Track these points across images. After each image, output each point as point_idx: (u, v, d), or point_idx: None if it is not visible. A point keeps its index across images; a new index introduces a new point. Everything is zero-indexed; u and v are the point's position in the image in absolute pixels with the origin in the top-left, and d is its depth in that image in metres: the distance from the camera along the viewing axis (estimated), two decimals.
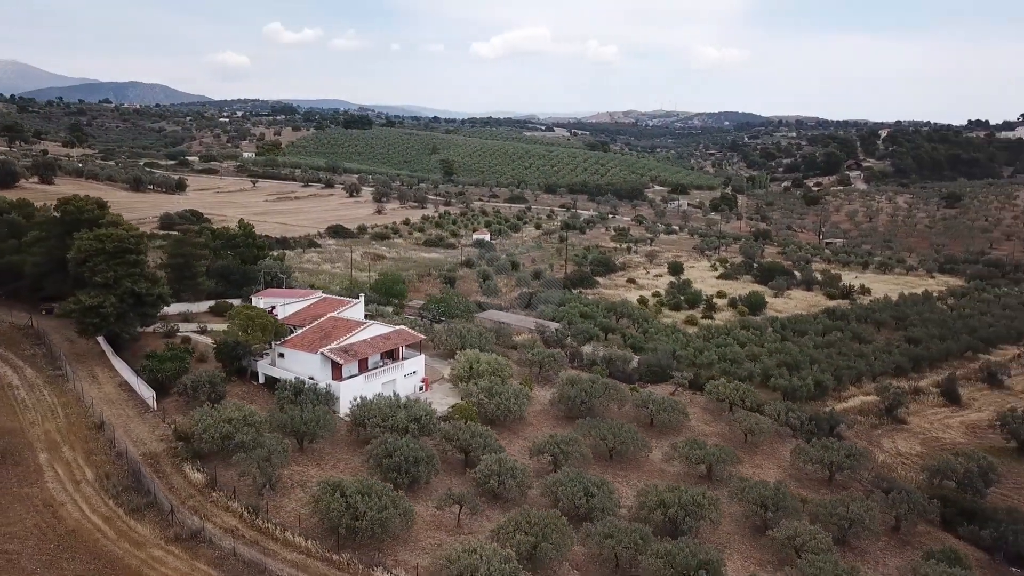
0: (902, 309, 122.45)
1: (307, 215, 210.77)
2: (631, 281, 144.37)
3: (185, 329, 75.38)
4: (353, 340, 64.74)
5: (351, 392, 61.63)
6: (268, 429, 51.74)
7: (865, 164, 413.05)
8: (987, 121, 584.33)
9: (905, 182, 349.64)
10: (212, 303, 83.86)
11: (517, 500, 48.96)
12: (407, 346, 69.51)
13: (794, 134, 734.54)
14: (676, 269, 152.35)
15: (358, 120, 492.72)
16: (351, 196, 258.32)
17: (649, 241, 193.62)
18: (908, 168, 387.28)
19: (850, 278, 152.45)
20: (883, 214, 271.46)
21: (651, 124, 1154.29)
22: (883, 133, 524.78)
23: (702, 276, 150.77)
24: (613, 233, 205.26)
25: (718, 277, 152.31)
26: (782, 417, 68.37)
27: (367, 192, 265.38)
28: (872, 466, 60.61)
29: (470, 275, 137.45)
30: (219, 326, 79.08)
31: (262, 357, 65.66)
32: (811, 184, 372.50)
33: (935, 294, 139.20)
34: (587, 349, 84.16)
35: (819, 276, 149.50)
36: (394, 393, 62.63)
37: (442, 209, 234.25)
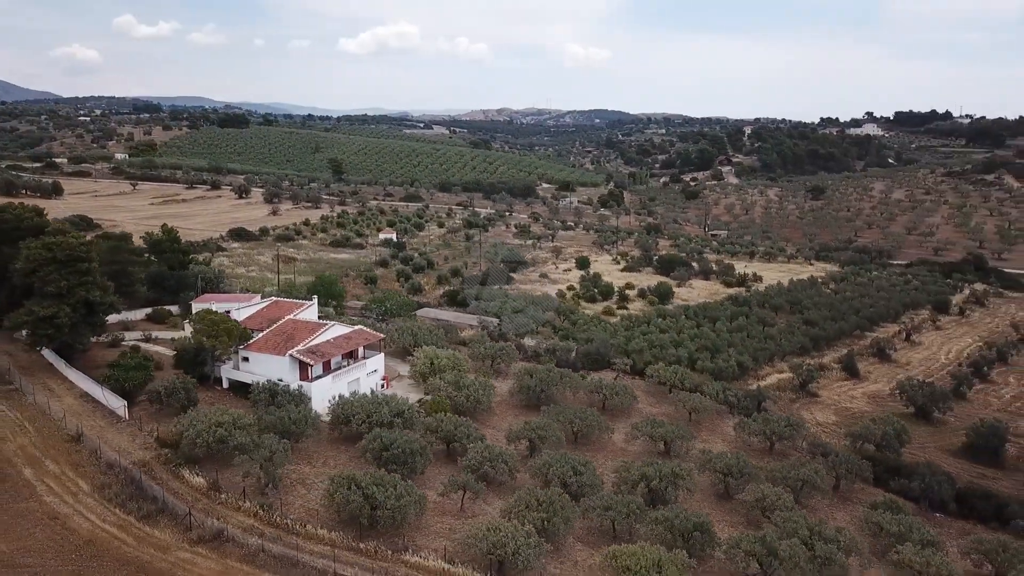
0: (795, 294, 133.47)
1: (200, 218, 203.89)
2: (543, 276, 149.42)
3: (130, 338, 73.56)
4: (318, 341, 65.70)
5: (322, 392, 62.78)
6: (257, 431, 52.35)
7: (735, 160, 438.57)
8: (837, 119, 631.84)
9: (773, 176, 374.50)
10: (149, 311, 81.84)
11: (508, 483, 52.06)
12: (365, 346, 70.97)
13: (663, 131, 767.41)
14: (583, 264, 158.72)
15: (234, 119, 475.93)
16: (240, 198, 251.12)
17: (550, 237, 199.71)
18: (773, 163, 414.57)
19: (740, 267, 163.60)
20: (757, 207, 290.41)
21: (525, 122, 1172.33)
22: (747, 130, 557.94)
23: (607, 270, 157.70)
24: (515, 230, 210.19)
25: (622, 270, 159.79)
26: (720, 396, 74.55)
27: (257, 193, 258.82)
28: (806, 435, 67.41)
29: (388, 275, 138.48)
30: (163, 333, 77.74)
31: (224, 362, 65.46)
32: (688, 179, 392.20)
33: (819, 279, 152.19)
34: (529, 342, 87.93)
35: (714, 266, 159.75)
36: (356, 392, 64.39)
37: (339, 209, 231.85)
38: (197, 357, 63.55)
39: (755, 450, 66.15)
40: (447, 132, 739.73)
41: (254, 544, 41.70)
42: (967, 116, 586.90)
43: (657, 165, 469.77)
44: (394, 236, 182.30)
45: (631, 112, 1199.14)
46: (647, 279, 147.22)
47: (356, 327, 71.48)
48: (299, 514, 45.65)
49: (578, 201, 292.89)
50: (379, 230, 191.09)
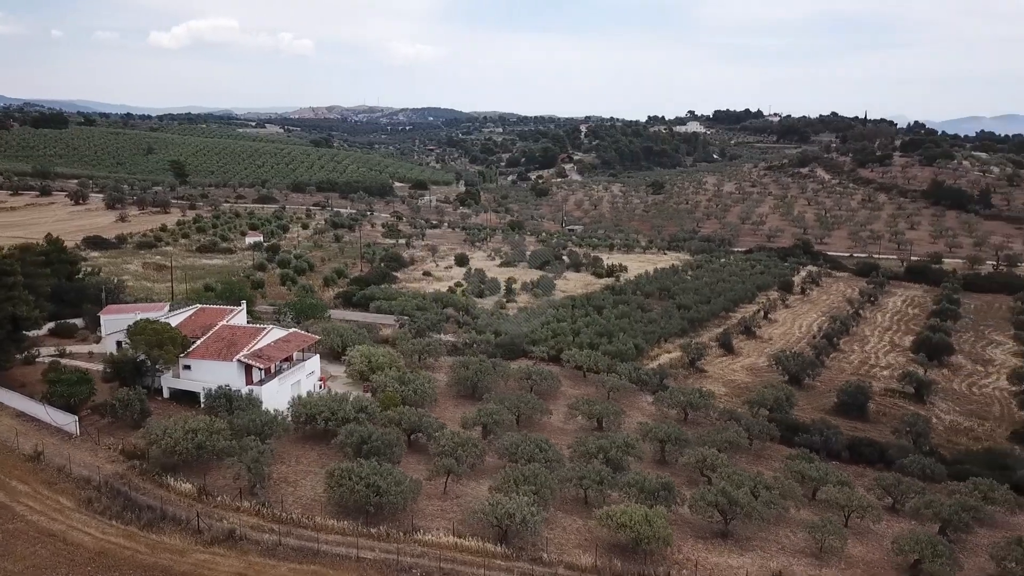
0: (663, 282, 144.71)
1: (39, 227, 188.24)
2: (426, 274, 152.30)
3: (44, 354, 70.16)
4: (261, 345, 66.27)
5: (271, 395, 63.59)
6: (231, 435, 52.99)
7: (576, 157, 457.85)
8: (663, 117, 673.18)
9: (614, 173, 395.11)
10: (52, 324, 77.82)
11: (478, 465, 55.88)
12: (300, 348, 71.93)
13: (500, 129, 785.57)
14: (462, 261, 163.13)
15: (52, 119, 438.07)
16: (78, 204, 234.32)
17: (420, 236, 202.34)
18: (612, 160, 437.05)
19: (604, 259, 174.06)
20: (605, 202, 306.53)
21: (358, 120, 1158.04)
22: (583, 128, 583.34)
23: (486, 266, 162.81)
24: (382, 230, 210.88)
25: (499, 266, 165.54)
26: (632, 375, 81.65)
27: (96, 199, 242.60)
28: (714, 404, 75.74)
29: (269, 278, 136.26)
30: (77, 348, 74.75)
31: (162, 372, 64.52)
32: (534, 177, 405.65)
33: (678, 268, 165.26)
34: (445, 337, 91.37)
35: (584, 259, 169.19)
36: (299, 393, 65.74)
37: (191, 214, 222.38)
38: (139, 368, 62.35)
39: (673, 420, 73.55)
40: (281, 131, 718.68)
41: (269, 539, 43.22)
42: (776, 115, 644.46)
43: (502, 163, 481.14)
44: (260, 239, 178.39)
45: (465, 110, 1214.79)
46: (524, 273, 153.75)
47: (291, 330, 72.26)
48: (297, 509, 47.32)
49: (437, 200, 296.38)
50: (244, 234, 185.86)
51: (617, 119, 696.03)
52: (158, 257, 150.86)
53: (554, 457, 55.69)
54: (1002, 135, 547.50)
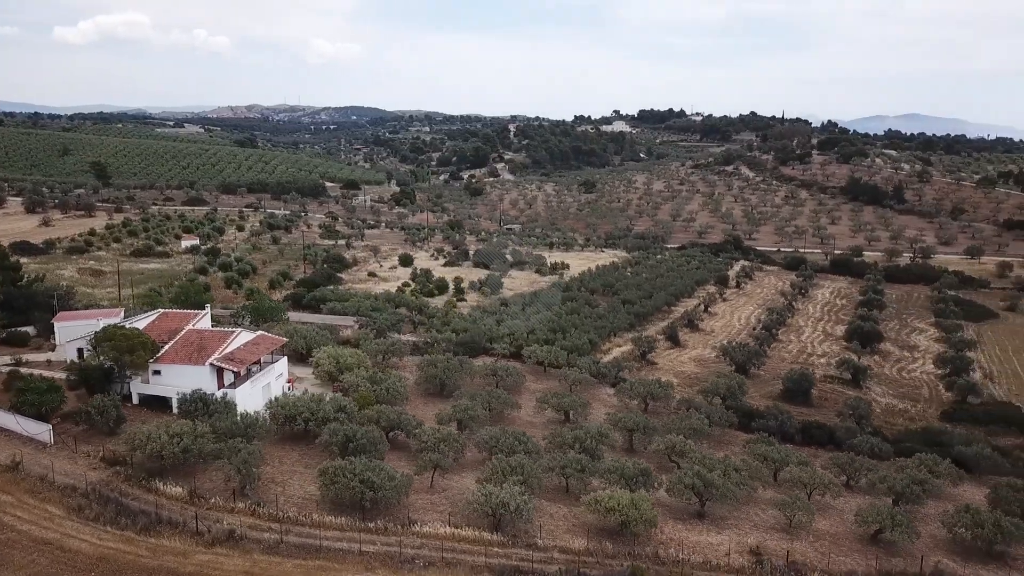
0: (605, 278, 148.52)
1: None
2: (371, 275, 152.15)
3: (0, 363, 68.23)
4: (232, 348, 66.04)
5: (244, 398, 63.62)
6: (215, 438, 53.08)
7: (507, 157, 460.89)
8: (590, 116, 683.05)
9: (546, 172, 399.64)
10: (3, 334, 75.45)
11: (459, 459, 57.40)
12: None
13: (427, 128, 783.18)
14: (407, 261, 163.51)
15: None
16: None
17: (360, 236, 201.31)
18: (543, 159, 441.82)
19: (546, 257, 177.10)
20: (539, 201, 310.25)
21: (279, 119, 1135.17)
22: (512, 128, 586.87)
23: (430, 266, 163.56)
24: (320, 231, 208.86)
25: (444, 265, 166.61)
26: (592, 369, 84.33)
27: (13, 202, 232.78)
28: (672, 394, 79.05)
29: (213, 282, 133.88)
30: (33, 356, 72.94)
31: (131, 378, 63.74)
32: (467, 176, 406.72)
33: (618, 265, 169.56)
34: (406, 336, 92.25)
35: (527, 258, 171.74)
36: (270, 395, 66.14)
37: (119, 217, 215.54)
38: (108, 375, 61.49)
39: (634, 410, 76.45)
40: (202, 131, 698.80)
41: (270, 538, 43.84)
42: (698, 114, 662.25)
43: (433, 163, 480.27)
44: (197, 242, 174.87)
45: (389, 109, 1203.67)
46: (469, 272, 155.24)
47: (259, 333, 72.07)
48: (291, 508, 47.96)
49: (371, 200, 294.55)
50: (178, 237, 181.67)
51: (543, 119, 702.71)
52: (92, 263, 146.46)
53: (533, 448, 57.66)
54: (907, 133, 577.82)
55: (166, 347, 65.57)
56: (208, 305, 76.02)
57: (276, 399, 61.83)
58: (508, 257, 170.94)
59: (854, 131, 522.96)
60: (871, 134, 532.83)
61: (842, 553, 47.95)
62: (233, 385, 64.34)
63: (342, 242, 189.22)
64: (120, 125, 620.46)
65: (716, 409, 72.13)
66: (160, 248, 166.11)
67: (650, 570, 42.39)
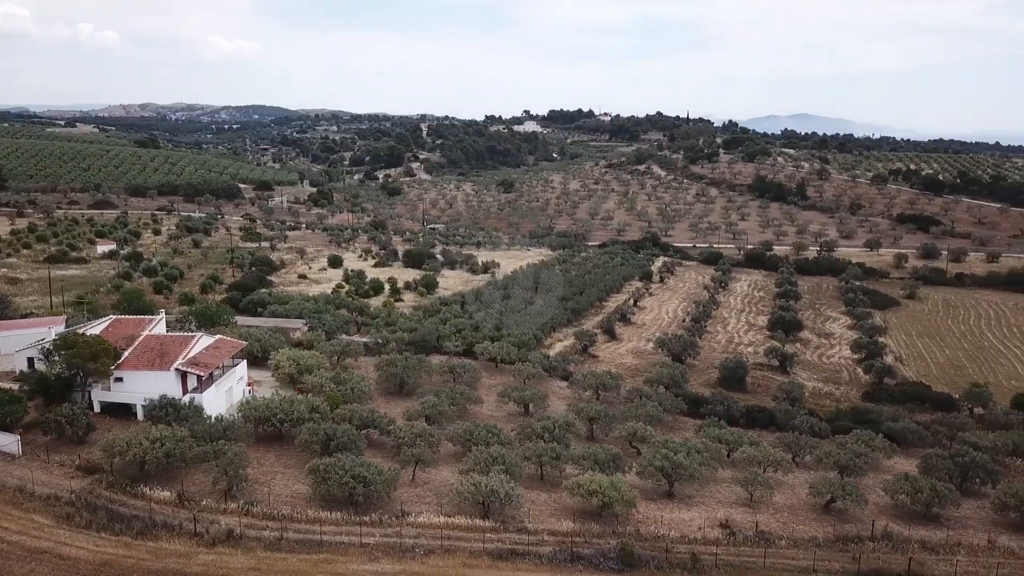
0: (537, 276, 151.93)
1: None
2: (302, 277, 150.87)
3: None
4: (195, 353, 65.66)
5: (211, 402, 63.48)
6: (194, 442, 53.11)
7: (422, 156, 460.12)
8: (500, 116, 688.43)
9: (462, 172, 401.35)
10: None
11: (436, 453, 59.12)
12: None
13: (335, 128, 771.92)
14: (336, 262, 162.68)
15: None
16: None
17: (282, 238, 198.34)
18: (458, 159, 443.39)
19: (476, 256, 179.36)
20: (459, 201, 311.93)
21: (176, 118, 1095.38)
22: (424, 127, 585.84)
23: (360, 266, 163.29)
24: (241, 233, 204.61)
25: (374, 266, 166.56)
26: (544, 363, 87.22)
27: None
28: (622, 384, 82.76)
29: (139, 287, 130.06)
30: None
31: (91, 386, 62.55)
32: (382, 176, 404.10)
33: (547, 263, 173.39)
34: (355, 338, 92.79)
35: (457, 257, 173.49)
36: (233, 399, 66.28)
37: (22, 222, 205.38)
38: (69, 384, 60.26)
39: (586, 400, 79.80)
40: (96, 130, 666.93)
41: (269, 536, 44.63)
42: (606, 114, 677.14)
43: (345, 162, 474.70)
44: (114, 246, 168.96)
45: (292, 108, 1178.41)
46: (401, 272, 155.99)
47: (217, 337, 71.58)
48: (284, 507, 48.73)
49: (288, 201, 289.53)
50: (92, 242, 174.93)
51: (452, 118, 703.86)
52: (4, 270, 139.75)
53: (505, 440, 59.96)
54: (802, 132, 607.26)
55: (126, 353, 64.54)
56: (163, 311, 74.78)
57: (247, 401, 62.00)
58: (439, 257, 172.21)
59: (753, 131, 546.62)
60: (768, 133, 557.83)
61: (800, 523, 52.24)
62: (199, 390, 64.03)
63: (266, 244, 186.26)
64: (6, 125, 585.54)
65: (667, 396, 76.18)
66: (75, 254, 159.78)
67: (636, 546, 45.36)
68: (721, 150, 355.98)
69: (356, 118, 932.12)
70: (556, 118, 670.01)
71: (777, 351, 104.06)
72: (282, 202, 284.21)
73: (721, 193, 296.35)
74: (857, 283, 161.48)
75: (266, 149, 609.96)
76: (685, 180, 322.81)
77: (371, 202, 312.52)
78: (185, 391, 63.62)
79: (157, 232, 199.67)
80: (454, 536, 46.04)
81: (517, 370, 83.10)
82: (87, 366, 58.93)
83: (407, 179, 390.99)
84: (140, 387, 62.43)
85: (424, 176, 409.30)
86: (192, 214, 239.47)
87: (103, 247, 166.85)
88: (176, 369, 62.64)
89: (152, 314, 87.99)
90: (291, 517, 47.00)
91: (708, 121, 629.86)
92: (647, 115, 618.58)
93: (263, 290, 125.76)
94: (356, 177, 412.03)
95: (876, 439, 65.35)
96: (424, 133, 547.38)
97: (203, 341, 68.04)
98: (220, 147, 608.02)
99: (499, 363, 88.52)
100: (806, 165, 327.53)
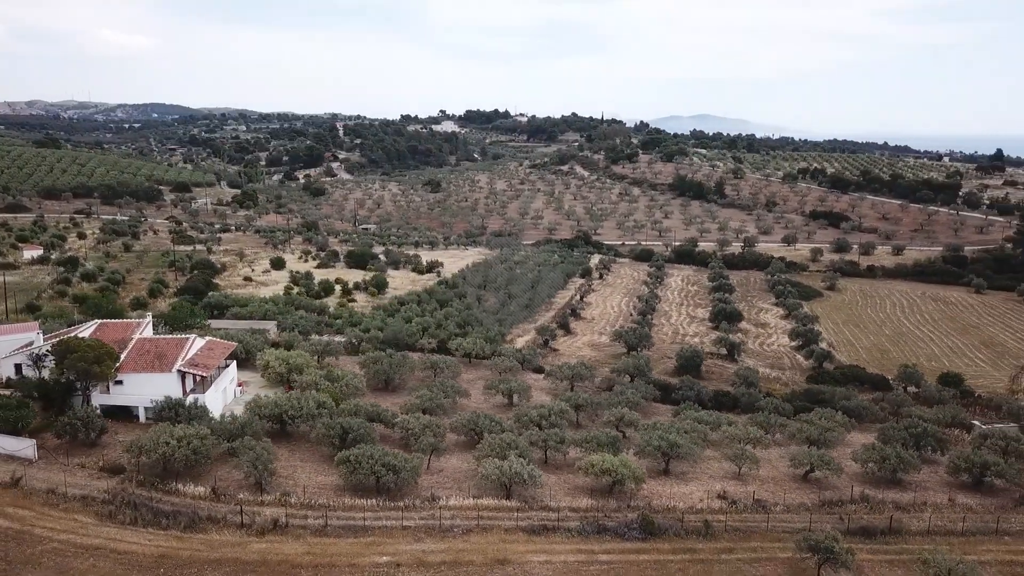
0: (484, 275, 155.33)
1: None
2: (247, 279, 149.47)
3: None
4: (192, 355, 66.36)
5: (212, 402, 64.43)
6: (215, 439, 54.42)
7: (341, 156, 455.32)
8: (416, 116, 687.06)
9: (386, 172, 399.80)
10: None
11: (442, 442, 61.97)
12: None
13: (244, 127, 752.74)
14: (279, 264, 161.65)
15: None
16: None
17: (216, 240, 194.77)
18: (379, 159, 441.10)
19: (416, 255, 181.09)
20: (387, 201, 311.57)
21: (69, 116, 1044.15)
22: (340, 127, 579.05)
23: (302, 268, 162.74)
24: (171, 236, 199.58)
25: (316, 267, 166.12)
26: (517, 356, 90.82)
27: None
28: (595, 374, 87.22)
29: (80, 291, 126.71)
30: None
31: (91, 390, 62.49)
32: (302, 176, 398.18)
33: (489, 261, 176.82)
34: (327, 337, 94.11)
35: (401, 257, 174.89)
36: (228, 398, 67.60)
37: None
38: (70, 388, 60.14)
39: (563, 390, 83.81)
40: None
41: (314, 523, 46.73)
42: (522, 115, 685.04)
43: (262, 163, 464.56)
44: (41, 251, 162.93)
45: (196, 107, 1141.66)
46: (345, 273, 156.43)
47: (208, 339, 72.16)
48: (320, 497, 50.69)
49: (212, 203, 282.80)
50: (16, 247, 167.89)
51: (364, 118, 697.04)
52: None
53: (507, 427, 63.32)
54: (711, 133, 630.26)
55: (123, 356, 64.64)
56: (149, 315, 74.60)
57: (254, 400, 63.16)
58: (382, 257, 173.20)
59: (664, 131, 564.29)
60: (678, 133, 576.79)
61: (786, 491, 57.62)
62: (198, 390, 64.82)
63: (201, 247, 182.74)
64: None
65: (641, 384, 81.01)
66: (2, 260, 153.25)
67: (654, 517, 49.58)
68: (640, 151, 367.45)
69: (265, 117, 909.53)
70: (473, 118, 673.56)
71: (725, 340, 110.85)
72: (206, 204, 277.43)
73: (644, 192, 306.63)
74: (781, 276, 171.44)
75: (174, 149, 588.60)
76: (608, 180, 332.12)
77: (295, 203, 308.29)
78: (185, 392, 64.32)
79: (82, 236, 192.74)
80: (486, 516, 49.18)
81: (493, 364, 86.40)
82: (92, 369, 59.00)
83: (328, 179, 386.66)
84: (141, 389, 62.81)
85: (346, 176, 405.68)
86: (115, 217, 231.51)
87: (30, 252, 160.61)
88: (178, 370, 63.30)
89: (118, 316, 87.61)
90: (329, 506, 49.14)
91: (621, 122, 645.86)
92: (562, 116, 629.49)
93: (215, 293, 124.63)
94: (275, 178, 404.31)
95: (837, 416, 71.78)
96: (341, 133, 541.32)
97: (197, 343, 68.71)
98: (124, 147, 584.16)
99: (472, 358, 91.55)
100: (720, 165, 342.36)
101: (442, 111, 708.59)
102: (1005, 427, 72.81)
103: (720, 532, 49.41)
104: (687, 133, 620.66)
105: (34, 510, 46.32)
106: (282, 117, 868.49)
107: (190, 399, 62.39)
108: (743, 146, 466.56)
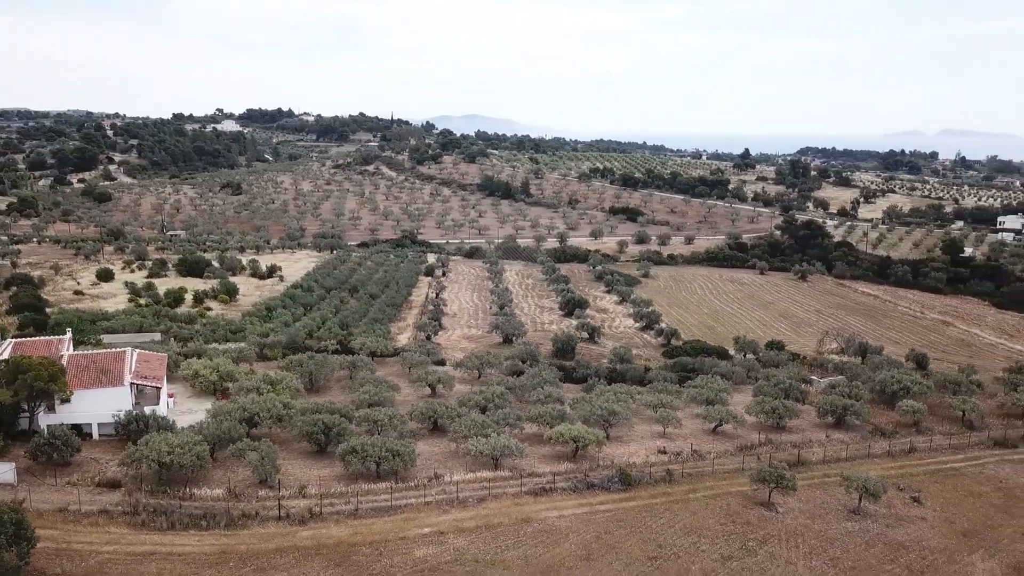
0: (333, 278, 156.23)
1: None
2: (78, 293, 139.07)
3: None
4: (136, 367, 65.21)
5: (163, 411, 64.03)
6: (208, 445, 55.24)
7: (118, 158, 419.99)
8: (192, 115, 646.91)
9: (174, 174, 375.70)
10: None
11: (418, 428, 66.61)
12: None
13: None
14: (106, 275, 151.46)
15: None
16: None
17: (17, 253, 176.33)
18: (163, 160, 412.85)
19: (248, 260, 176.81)
20: (185, 205, 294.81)
21: None
22: (108, 126, 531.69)
23: (134, 278, 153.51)
24: None
25: (146, 277, 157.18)
26: (425, 352, 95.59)
27: None
28: (501, 362, 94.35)
29: None
30: None
31: (35, 410, 59.70)
32: (76, 180, 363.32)
33: (333, 264, 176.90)
34: (231, 344, 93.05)
35: (238, 263, 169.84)
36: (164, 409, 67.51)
37: None
38: (19, 409, 57.37)
39: (472, 379, 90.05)
40: None
41: (346, 508, 50.15)
42: (307, 114, 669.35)
43: (21, 166, 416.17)
44: None
45: None
46: (181, 282, 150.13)
47: (139, 351, 70.39)
48: (322, 487, 53.66)
49: None
50: None
51: (125, 115, 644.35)
52: None
53: (462, 414, 68.99)
54: (494, 134, 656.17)
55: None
56: (70, 330, 70.77)
57: (214, 406, 63.56)
58: (216, 264, 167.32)
59: (452, 131, 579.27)
60: (468, 135, 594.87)
61: (706, 443, 68.54)
62: (150, 403, 64.15)
63: (4, 262, 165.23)
64: None
65: (545, 367, 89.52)
66: None
67: (627, 471, 58.18)
68: (442, 152, 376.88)
69: (4, 114, 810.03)
70: (255, 117, 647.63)
71: (587, 325, 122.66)
72: None
73: (454, 192, 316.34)
74: (602, 267, 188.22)
75: None
76: (416, 181, 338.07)
77: (80, 209, 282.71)
78: (138, 404, 63.36)
79: None
80: (489, 486, 55.10)
81: (403, 359, 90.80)
82: (49, 388, 56.84)
83: (108, 183, 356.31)
84: (91, 406, 61.20)
85: (127, 179, 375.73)
86: None
87: None
88: (131, 383, 62.23)
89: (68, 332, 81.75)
90: (348, 493, 52.49)
91: (408, 122, 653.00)
92: (351, 116, 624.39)
93: (71, 308, 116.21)
94: (43, 183, 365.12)
95: (718, 380, 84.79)
96: (111, 133, 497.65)
97: (134, 355, 67.29)
98: None
99: (375, 356, 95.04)
100: (520, 166, 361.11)
101: (219, 110, 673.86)
102: (837, 379, 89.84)
103: (680, 478, 59.07)
104: (453, 131, 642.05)
105: (58, 528, 45.56)
106: (23, 115, 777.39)
107: (148, 410, 61.71)
108: (530, 147, 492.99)
